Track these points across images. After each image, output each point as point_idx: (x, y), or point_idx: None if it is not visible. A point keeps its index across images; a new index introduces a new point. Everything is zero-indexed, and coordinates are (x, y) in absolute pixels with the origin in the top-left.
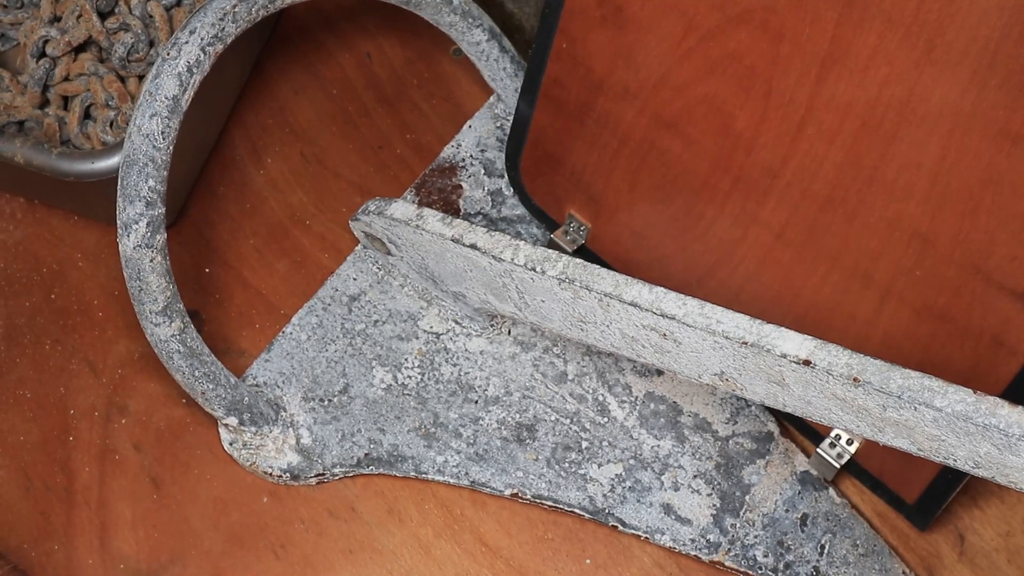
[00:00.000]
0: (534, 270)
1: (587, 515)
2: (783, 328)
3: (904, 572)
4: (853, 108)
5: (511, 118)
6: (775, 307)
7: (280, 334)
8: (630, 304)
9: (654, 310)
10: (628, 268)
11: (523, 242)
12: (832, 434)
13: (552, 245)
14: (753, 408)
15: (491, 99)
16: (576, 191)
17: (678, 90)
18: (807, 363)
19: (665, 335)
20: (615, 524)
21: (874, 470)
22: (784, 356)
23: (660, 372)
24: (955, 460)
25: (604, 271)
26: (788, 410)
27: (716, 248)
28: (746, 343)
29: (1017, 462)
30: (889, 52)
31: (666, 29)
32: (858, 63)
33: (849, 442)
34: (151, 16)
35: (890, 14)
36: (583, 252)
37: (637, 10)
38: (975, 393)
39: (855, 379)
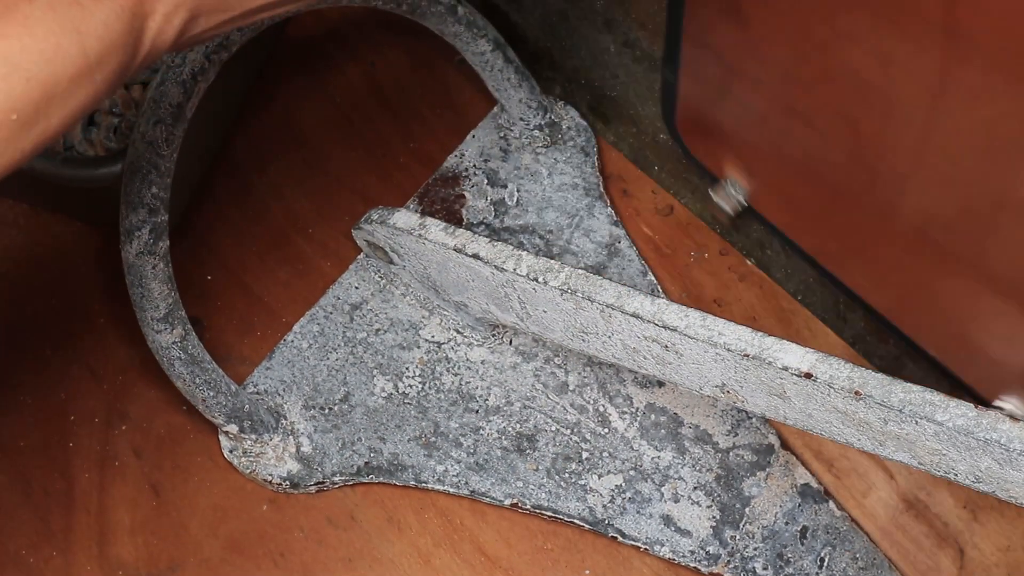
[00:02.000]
0: (536, 280)
1: (587, 526)
2: (785, 341)
3: None
4: (972, 132)
5: (514, 128)
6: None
7: (281, 342)
8: (632, 315)
9: (656, 321)
10: (790, 230)
11: (526, 252)
12: (996, 403)
13: (711, 203)
14: (754, 420)
15: (495, 109)
16: (729, 153)
17: (804, 88)
18: (808, 376)
19: (667, 346)
20: (615, 535)
21: None
22: (786, 369)
23: (661, 383)
24: (956, 475)
25: (606, 282)
26: (789, 423)
27: (857, 236)
28: (748, 355)
29: (1018, 477)
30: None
31: (783, 33)
32: (969, 91)
33: None
34: None
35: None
36: (748, 212)
37: (754, 10)
38: (976, 408)
39: (856, 392)
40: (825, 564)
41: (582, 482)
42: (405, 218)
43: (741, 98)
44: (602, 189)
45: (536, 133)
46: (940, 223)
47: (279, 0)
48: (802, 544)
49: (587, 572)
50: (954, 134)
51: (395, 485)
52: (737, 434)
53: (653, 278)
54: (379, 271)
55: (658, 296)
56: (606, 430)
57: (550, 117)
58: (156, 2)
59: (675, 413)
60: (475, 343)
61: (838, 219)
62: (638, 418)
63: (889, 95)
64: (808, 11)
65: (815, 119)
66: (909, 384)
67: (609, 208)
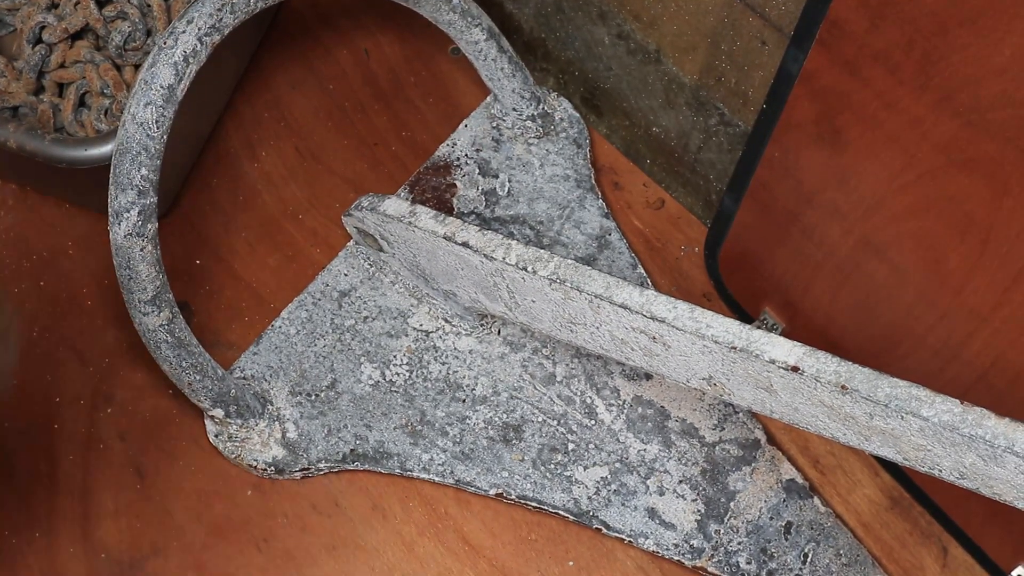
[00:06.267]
0: (525, 269)
1: (571, 517)
2: (772, 335)
3: None
4: None
5: (507, 118)
6: None
7: (269, 327)
8: (620, 306)
9: (644, 312)
10: None
11: (515, 241)
12: (1013, 574)
13: None
14: (740, 415)
15: (488, 99)
16: (773, 291)
17: (890, 219)
18: (795, 369)
19: (655, 338)
20: (599, 527)
21: None
22: (773, 362)
23: (649, 376)
24: (941, 470)
25: (595, 272)
26: (775, 417)
27: (912, 376)
28: (735, 348)
29: (1002, 474)
30: None
31: (885, 159)
32: None
33: None
34: (149, 5)
35: None
36: None
37: (856, 136)
38: (962, 403)
39: (843, 387)
40: (809, 559)
41: (567, 473)
42: (395, 206)
43: (809, 230)
44: (593, 181)
45: (529, 124)
46: (1009, 368)
47: None
48: (786, 539)
49: (571, 563)
50: None
51: (380, 473)
52: (724, 428)
53: (643, 271)
54: (368, 259)
55: (647, 288)
56: (593, 422)
57: (543, 108)
58: None
59: (662, 406)
60: (463, 332)
61: (887, 362)
62: (625, 410)
63: (992, 229)
64: (921, 139)
65: (892, 253)
66: (895, 379)
67: (600, 200)
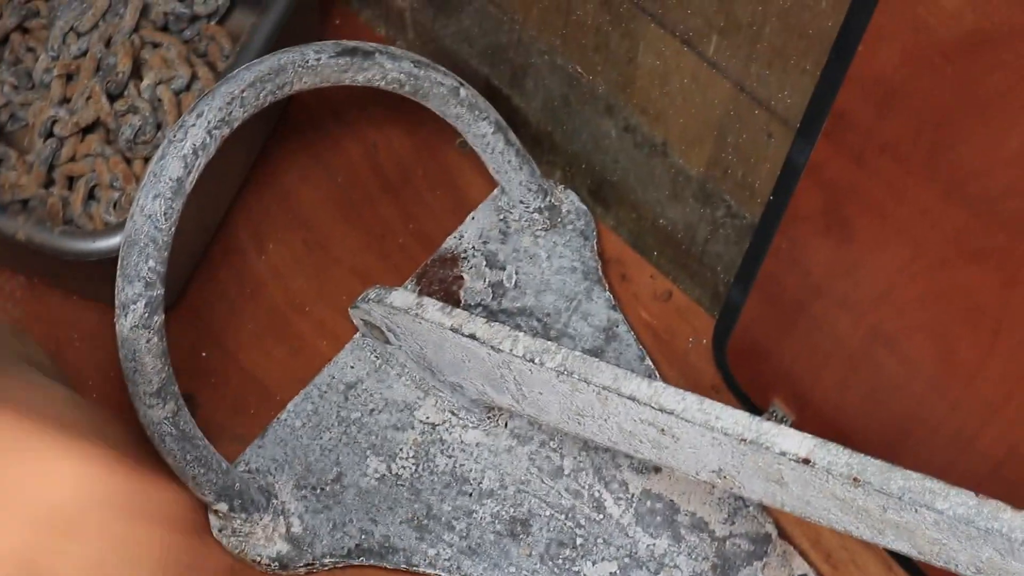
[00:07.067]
0: (533, 361)
1: None
2: (783, 426)
3: None
4: None
5: (514, 210)
6: None
7: (275, 420)
8: (629, 398)
9: (653, 404)
10: None
11: (522, 333)
12: None
13: None
14: (751, 509)
15: (495, 191)
16: (782, 383)
17: (899, 310)
18: (807, 461)
19: (663, 430)
20: None
21: None
22: (783, 454)
23: (658, 469)
24: (957, 565)
25: (603, 364)
26: (787, 510)
27: (924, 467)
28: (745, 440)
29: (1020, 568)
30: None
31: (893, 250)
32: None
33: None
34: (160, 99)
35: None
36: None
37: (864, 226)
38: (977, 496)
39: (855, 479)
40: None
41: (576, 568)
42: (402, 297)
43: (818, 321)
44: (601, 273)
45: (536, 216)
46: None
47: None
48: None
49: None
50: None
51: (386, 568)
52: (734, 522)
53: (651, 363)
54: (375, 351)
55: (655, 380)
56: (601, 516)
57: (550, 200)
58: None
59: (671, 500)
60: (470, 425)
61: (898, 454)
62: (634, 504)
63: (1004, 319)
64: (930, 229)
65: (902, 344)
66: (909, 471)
67: (607, 292)
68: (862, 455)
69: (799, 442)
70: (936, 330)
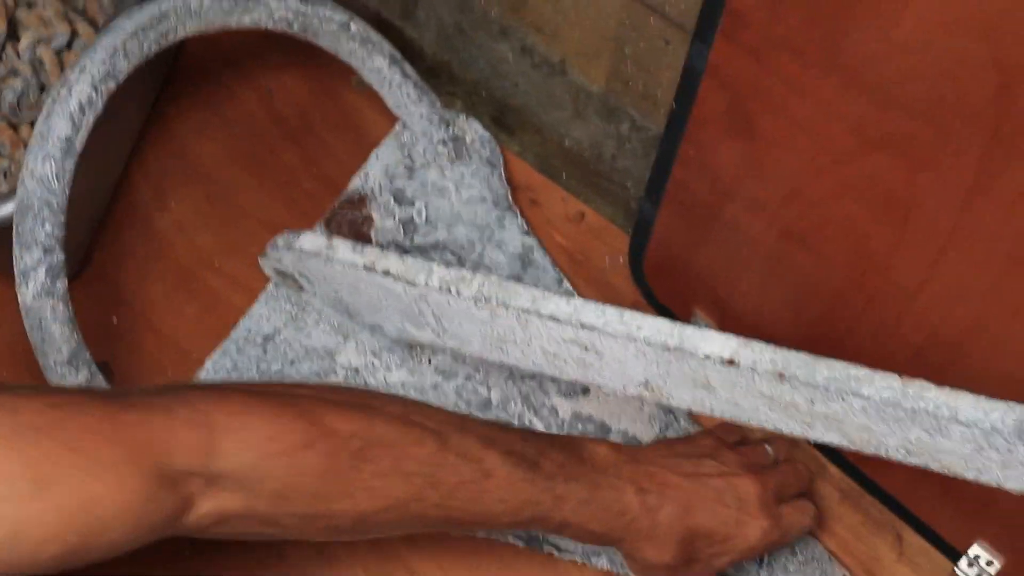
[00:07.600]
0: (449, 291)
1: (521, 543)
2: (705, 329)
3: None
4: (1001, 240)
5: (418, 145)
6: None
7: (193, 380)
8: (549, 318)
9: (573, 322)
10: None
11: (437, 264)
12: (970, 554)
13: None
14: (682, 421)
15: (396, 127)
16: (702, 292)
17: (810, 206)
18: (731, 362)
19: (587, 347)
20: (551, 550)
21: None
22: (708, 357)
23: (586, 391)
24: (887, 450)
25: (521, 287)
26: (716, 415)
27: (848, 361)
28: (668, 347)
29: (948, 445)
30: None
31: (799, 145)
32: (1006, 197)
33: (989, 563)
34: (41, 60)
35: None
36: None
37: (769, 124)
38: (901, 378)
39: (780, 374)
40: (765, 562)
41: None
42: (311, 241)
43: (731, 225)
44: (511, 200)
45: (440, 148)
46: (944, 342)
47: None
48: None
49: None
50: (980, 242)
51: None
52: (665, 436)
53: (569, 286)
54: (290, 300)
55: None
56: None
57: (453, 131)
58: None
59: (602, 421)
60: (393, 366)
61: (822, 351)
62: (565, 428)
63: (912, 205)
64: (832, 122)
65: (815, 240)
66: (832, 361)
67: (520, 219)
68: (785, 350)
69: (722, 343)
70: (847, 223)
